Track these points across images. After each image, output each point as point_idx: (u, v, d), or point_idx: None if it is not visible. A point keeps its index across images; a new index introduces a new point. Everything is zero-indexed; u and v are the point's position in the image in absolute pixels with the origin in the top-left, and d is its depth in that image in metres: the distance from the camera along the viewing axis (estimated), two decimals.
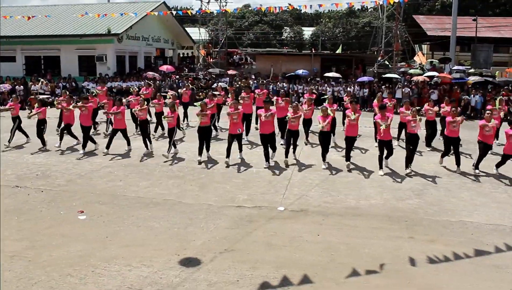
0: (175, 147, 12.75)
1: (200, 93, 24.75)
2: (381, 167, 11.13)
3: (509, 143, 10.85)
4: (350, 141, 11.65)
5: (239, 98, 14.86)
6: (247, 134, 14.65)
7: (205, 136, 12.02)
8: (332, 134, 13.69)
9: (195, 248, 6.89)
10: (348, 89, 23.36)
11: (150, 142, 13.22)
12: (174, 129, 12.45)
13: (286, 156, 11.70)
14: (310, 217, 8.27)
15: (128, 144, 13.23)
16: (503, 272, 6.27)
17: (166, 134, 15.17)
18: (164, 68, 29.80)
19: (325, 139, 11.66)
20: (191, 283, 5.87)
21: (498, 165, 11.21)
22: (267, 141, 11.69)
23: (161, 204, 8.90)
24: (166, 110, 14.40)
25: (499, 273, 6.24)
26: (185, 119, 17.36)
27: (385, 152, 11.23)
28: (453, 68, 27.93)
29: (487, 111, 11.88)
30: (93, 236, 7.33)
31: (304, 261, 6.49)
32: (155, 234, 7.46)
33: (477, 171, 11.13)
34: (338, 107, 17.87)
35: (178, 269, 6.24)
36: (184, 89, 18.18)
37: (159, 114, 15.34)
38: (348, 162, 11.49)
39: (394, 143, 12.55)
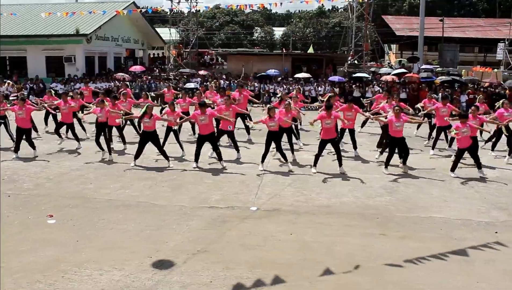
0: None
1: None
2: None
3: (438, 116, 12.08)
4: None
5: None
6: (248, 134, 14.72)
7: (149, 140, 11.67)
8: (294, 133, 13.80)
9: (168, 250, 6.82)
10: (322, 87, 23.52)
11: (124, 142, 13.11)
12: (174, 129, 12.24)
13: (262, 161, 11.50)
14: (283, 216, 8.30)
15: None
16: (471, 266, 6.42)
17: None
18: (137, 68, 29.46)
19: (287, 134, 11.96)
20: (164, 285, 5.81)
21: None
22: (205, 141, 11.54)
23: (133, 206, 8.79)
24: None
25: (468, 267, 6.38)
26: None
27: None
28: (422, 67, 28.52)
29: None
30: (64, 241, 7.17)
31: (278, 261, 6.49)
32: (127, 236, 7.36)
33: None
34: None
35: (150, 271, 6.16)
36: (166, 89, 17.95)
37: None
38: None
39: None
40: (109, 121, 12.50)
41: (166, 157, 11.74)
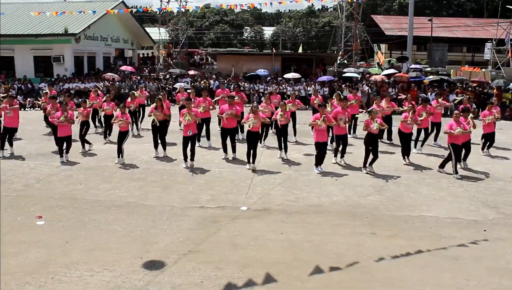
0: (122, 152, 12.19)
1: (161, 94, 24.45)
2: (335, 156, 11.98)
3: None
4: (321, 147, 11.16)
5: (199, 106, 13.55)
6: (208, 139, 14.18)
7: (160, 131, 12.40)
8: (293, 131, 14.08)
9: (159, 251, 6.80)
10: (315, 87, 23.56)
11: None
12: (127, 133, 12.15)
13: (248, 161, 11.42)
14: (273, 216, 8.31)
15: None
16: (460, 264, 6.48)
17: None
18: (128, 68, 29.31)
19: (283, 132, 12.21)
20: (154, 286, 5.79)
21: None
22: (228, 134, 12.10)
23: (123, 206, 8.75)
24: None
25: (457, 265, 6.44)
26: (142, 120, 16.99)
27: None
28: (410, 66, 28.67)
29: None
30: (53, 242, 7.13)
31: (269, 260, 6.51)
32: (117, 237, 7.33)
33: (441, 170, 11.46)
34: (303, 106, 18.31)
35: (141, 272, 6.14)
36: (139, 90, 17.90)
37: (108, 118, 14.53)
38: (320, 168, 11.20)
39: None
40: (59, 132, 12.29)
41: (156, 147, 12.57)
